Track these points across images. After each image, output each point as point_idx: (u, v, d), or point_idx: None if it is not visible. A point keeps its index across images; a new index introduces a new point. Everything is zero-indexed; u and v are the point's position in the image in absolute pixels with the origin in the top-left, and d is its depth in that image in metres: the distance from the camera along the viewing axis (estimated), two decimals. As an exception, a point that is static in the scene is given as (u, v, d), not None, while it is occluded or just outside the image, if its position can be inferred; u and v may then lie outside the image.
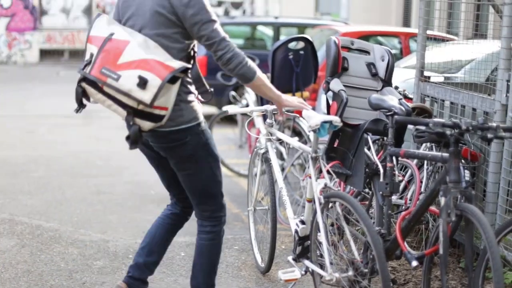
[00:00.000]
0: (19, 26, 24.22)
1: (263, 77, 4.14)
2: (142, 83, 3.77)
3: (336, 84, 4.71)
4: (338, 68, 4.80)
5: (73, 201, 7.30)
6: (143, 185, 7.99)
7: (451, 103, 5.78)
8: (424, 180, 5.40)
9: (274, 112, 5.27)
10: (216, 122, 8.69)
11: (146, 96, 3.79)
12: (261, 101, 7.71)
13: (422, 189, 5.32)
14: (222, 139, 9.18)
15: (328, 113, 4.75)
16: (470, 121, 4.28)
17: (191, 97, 4.09)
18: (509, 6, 4.99)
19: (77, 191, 7.70)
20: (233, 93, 8.70)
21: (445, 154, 3.92)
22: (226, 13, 25.59)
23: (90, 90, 3.95)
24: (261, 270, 5.43)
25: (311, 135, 4.63)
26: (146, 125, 3.92)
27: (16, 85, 17.88)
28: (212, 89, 4.32)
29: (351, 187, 5.30)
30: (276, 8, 25.47)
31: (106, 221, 6.66)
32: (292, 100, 4.45)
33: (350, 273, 4.23)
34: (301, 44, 7.10)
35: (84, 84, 3.95)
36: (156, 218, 4.66)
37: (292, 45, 6.97)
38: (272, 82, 7.25)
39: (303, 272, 4.72)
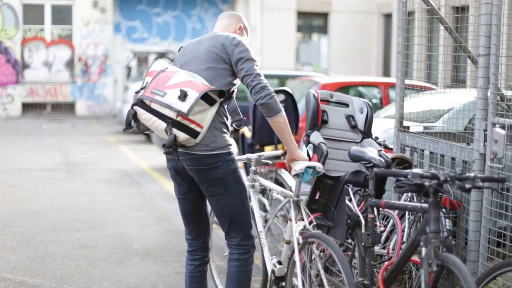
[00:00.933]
0: (1, 80, 24.29)
1: (286, 119, 4.58)
2: (183, 95, 4.36)
3: (316, 137, 4.78)
4: (318, 121, 4.88)
5: (56, 256, 7.27)
6: (126, 238, 7.98)
7: (431, 152, 5.86)
8: (406, 230, 5.44)
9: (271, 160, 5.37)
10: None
11: (184, 106, 4.35)
12: (243, 150, 7.77)
13: (404, 239, 5.36)
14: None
15: (309, 165, 4.80)
16: (448, 171, 4.36)
17: (225, 129, 4.61)
18: (484, 58, 5.11)
19: (60, 245, 7.67)
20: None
21: (425, 205, 3.98)
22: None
23: (139, 110, 4.56)
24: None
25: (295, 180, 4.75)
26: (182, 136, 4.43)
27: (-2, 139, 17.89)
28: (244, 118, 4.72)
29: (333, 239, 5.34)
30: (257, 59, 25.71)
31: (90, 276, 6.63)
32: (302, 156, 4.68)
33: None
34: (281, 97, 7.19)
35: (136, 107, 4.56)
36: (186, 279, 4.98)
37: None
38: (253, 134, 7.34)
39: None
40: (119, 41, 25.45)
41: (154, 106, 4.46)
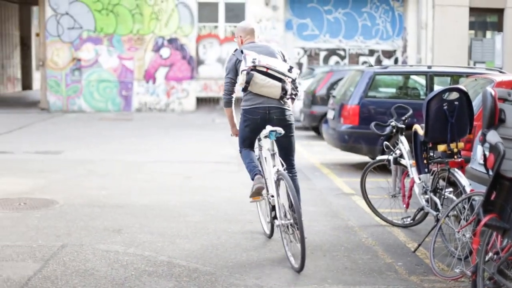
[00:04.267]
0: (177, 75, 25.23)
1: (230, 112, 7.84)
2: (290, 69, 7.34)
3: (493, 136, 4.67)
4: (495, 120, 4.76)
5: (228, 246, 7.49)
6: (296, 232, 8.09)
7: None
8: None
9: None
10: (370, 171, 8.73)
11: (292, 75, 7.33)
12: (415, 148, 7.69)
13: None
14: (375, 188, 9.20)
15: (485, 165, 4.70)
16: None
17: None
18: None
19: (232, 236, 7.90)
20: (386, 143, 8.72)
21: None
22: (378, 62, 25.63)
23: (256, 74, 7.20)
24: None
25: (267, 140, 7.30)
26: (289, 89, 7.32)
27: (175, 132, 18.59)
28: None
29: (509, 240, 5.20)
30: (428, 57, 25.28)
31: (261, 267, 6.80)
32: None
33: None
34: (455, 95, 7.06)
35: (253, 72, 7.19)
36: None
37: (446, 95, 6.93)
38: (426, 132, 7.25)
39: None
40: (290, 38, 25.76)
41: (271, 72, 7.22)
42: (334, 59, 25.98)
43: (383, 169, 8.87)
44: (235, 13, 25.55)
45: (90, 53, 25.16)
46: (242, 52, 7.34)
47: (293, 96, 7.38)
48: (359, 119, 12.04)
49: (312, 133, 18.29)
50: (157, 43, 25.22)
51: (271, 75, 7.16)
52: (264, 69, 7.14)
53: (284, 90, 7.20)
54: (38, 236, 7.67)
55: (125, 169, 12.42)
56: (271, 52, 7.44)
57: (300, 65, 25.80)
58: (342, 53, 25.87)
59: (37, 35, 33.42)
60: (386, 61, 25.88)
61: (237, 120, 7.81)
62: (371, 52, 26.04)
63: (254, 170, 7.45)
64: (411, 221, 8.32)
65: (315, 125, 17.71)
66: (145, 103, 25.30)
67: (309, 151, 15.12)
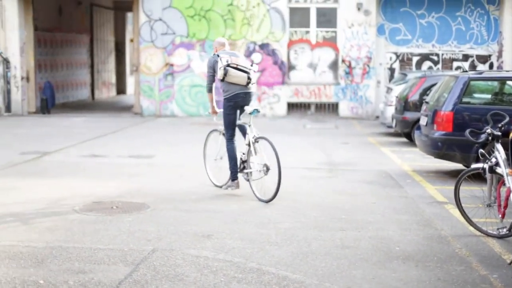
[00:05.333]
0: (268, 80, 25.29)
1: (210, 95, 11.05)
2: (252, 64, 10.56)
3: None
4: None
5: (319, 253, 7.41)
6: (388, 241, 7.96)
7: None
8: None
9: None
10: (464, 179, 8.50)
11: (253, 68, 10.56)
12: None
13: None
14: (469, 197, 8.95)
15: None
16: None
17: None
18: None
19: (322, 244, 7.81)
20: (481, 150, 8.48)
21: None
22: (473, 67, 25.08)
23: (229, 69, 10.45)
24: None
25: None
26: (253, 79, 10.61)
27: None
28: None
29: None
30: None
31: (351, 276, 6.69)
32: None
33: None
34: None
35: (228, 68, 10.47)
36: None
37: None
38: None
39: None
40: (382, 43, 25.48)
41: (239, 67, 10.47)
42: (427, 64, 25.55)
43: (478, 177, 8.62)
44: (327, 18, 25.44)
45: (183, 58, 25.46)
46: (218, 56, 10.65)
47: (252, 82, 10.65)
48: (453, 126, 11.78)
49: (404, 139, 18.02)
50: (248, 48, 25.33)
51: (239, 69, 10.49)
52: (235, 65, 10.49)
53: (249, 78, 10.53)
54: (129, 240, 7.76)
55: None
56: (237, 54, 10.83)
57: (392, 71, 25.49)
58: (435, 58, 25.41)
59: (131, 40, 34.09)
60: (480, 66, 25.29)
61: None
62: (465, 57, 25.49)
63: (236, 175, 10.73)
64: (507, 232, 8.06)
65: (407, 131, 17.43)
66: (236, 108, 25.44)
67: (401, 158, 14.88)
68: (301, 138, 18.31)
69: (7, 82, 25.25)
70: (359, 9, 25.09)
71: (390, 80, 24.98)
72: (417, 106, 16.76)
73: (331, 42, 25.45)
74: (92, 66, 33.69)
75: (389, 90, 20.71)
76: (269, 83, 25.32)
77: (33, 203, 9.75)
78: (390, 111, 18.68)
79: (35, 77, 26.26)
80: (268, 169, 10.15)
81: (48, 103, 26.03)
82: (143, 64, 25.52)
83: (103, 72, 35.49)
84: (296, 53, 25.59)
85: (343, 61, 25.27)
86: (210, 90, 10.96)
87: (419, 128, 13.54)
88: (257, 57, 25.23)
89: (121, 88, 38.63)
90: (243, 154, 10.57)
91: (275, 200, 10.02)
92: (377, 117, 24.05)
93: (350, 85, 25.33)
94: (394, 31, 25.56)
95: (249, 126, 10.49)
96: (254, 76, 10.64)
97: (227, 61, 10.44)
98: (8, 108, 25.32)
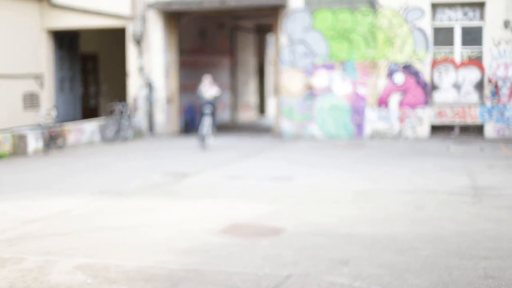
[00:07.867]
0: (411, 101, 24.77)
1: None
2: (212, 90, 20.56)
3: None
4: None
5: (460, 283, 7.06)
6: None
7: None
8: None
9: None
10: None
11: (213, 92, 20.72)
12: None
13: None
14: None
15: None
16: None
17: None
18: None
19: (464, 273, 7.45)
20: None
21: None
22: None
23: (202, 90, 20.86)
24: None
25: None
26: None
27: (407, 159, 18.18)
28: None
29: None
30: None
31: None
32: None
33: None
34: None
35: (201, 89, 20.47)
36: None
37: None
38: None
39: None
40: (531, 61, 24.47)
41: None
42: None
43: None
44: (472, 37, 24.69)
45: (323, 80, 25.36)
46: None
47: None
48: None
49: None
50: (390, 69, 24.94)
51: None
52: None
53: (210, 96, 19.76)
54: (265, 264, 7.67)
55: (354, 197, 12.24)
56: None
57: (542, 90, 24.41)
58: None
59: (273, 63, 34.34)
60: None
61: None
62: None
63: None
64: None
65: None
66: (377, 130, 25.07)
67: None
68: (444, 161, 17.75)
69: (151, 104, 25.99)
70: (506, 26, 24.22)
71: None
72: None
73: (476, 61, 24.68)
74: (233, 88, 34.20)
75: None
76: (411, 104, 24.79)
77: (172, 224, 9.87)
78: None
79: (178, 99, 26.90)
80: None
81: (190, 125, 26.57)
82: (283, 86, 25.61)
83: (245, 94, 35.95)
84: (440, 72, 24.97)
85: (489, 80, 24.43)
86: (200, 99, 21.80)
87: None
88: (399, 77, 24.80)
89: (262, 110, 38.98)
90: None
91: (415, 225, 9.68)
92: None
93: (497, 105, 24.43)
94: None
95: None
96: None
97: (203, 86, 20.98)
98: (151, 129, 26.04)
